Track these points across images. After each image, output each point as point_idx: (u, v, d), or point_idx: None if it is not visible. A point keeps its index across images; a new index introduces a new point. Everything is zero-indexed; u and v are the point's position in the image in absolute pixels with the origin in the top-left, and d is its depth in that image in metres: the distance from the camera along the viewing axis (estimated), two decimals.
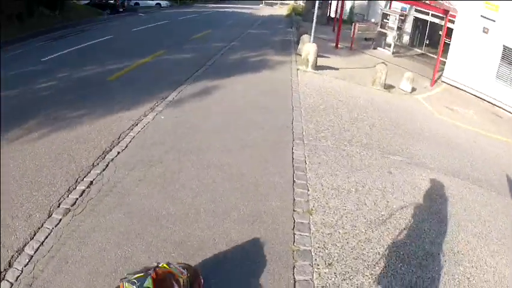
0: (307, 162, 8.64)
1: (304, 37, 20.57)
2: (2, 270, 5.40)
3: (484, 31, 20.01)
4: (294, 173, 8.13)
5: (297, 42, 23.93)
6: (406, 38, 29.89)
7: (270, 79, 15.30)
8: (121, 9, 40.57)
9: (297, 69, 16.88)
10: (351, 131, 11.00)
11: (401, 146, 10.87)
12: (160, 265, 4.12)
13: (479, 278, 6.09)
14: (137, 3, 51.12)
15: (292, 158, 8.73)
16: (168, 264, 4.21)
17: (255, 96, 12.93)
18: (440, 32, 25.33)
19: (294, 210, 6.91)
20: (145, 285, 3.79)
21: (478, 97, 20.87)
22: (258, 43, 24.26)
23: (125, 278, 3.95)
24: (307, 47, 17.25)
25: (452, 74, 21.75)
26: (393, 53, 26.34)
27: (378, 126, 12.06)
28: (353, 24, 26.87)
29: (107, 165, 8.12)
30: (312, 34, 18.76)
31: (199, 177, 7.74)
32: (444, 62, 22.43)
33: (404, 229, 6.86)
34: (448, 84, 21.82)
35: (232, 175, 7.93)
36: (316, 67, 17.30)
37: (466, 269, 6.23)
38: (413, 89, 18.69)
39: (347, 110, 12.72)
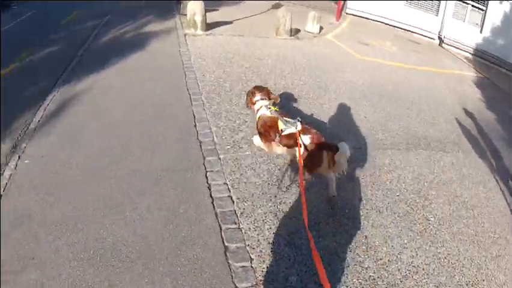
0: (236, 202, 5.31)
1: None
2: None
3: None
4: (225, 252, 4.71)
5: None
6: None
7: (154, 58, 11.51)
8: None
9: (185, 35, 13.09)
10: None
11: (345, 118, 8.21)
12: None
13: None
14: None
15: (214, 208, 5.26)
16: None
17: (139, 90, 9.23)
18: None
19: None
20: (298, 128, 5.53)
21: (388, 24, 18.64)
22: (133, 11, 19.56)
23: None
24: (192, 5, 13.51)
25: (356, 3, 19.25)
26: None
27: (306, 95, 9.05)
28: None
29: None
30: None
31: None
32: None
33: None
34: (354, 15, 19.33)
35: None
36: (207, 26, 13.68)
37: None
38: (321, 28, 15.74)
39: (261, 81, 9.43)
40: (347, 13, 19.32)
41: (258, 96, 6.13)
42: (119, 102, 8.58)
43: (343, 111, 8.57)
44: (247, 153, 6.34)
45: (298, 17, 15.46)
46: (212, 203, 5.25)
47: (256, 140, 6.37)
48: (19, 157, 7.00)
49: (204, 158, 6.20)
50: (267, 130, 5.88)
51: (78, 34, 16.07)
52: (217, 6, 17.66)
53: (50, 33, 17.12)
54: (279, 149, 5.98)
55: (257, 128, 6.10)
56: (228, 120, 7.33)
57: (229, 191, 5.45)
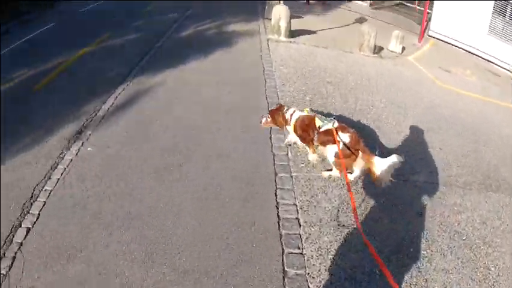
0: (302, 226, 5.06)
1: None
2: None
3: None
4: None
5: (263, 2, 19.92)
6: None
7: (235, 60, 11.29)
8: None
9: (268, 40, 12.94)
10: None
11: (421, 148, 7.63)
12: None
13: None
14: None
15: (279, 228, 5.04)
16: None
17: (216, 90, 9.11)
18: None
19: None
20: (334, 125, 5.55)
21: (469, 52, 17.67)
22: (217, 8, 19.55)
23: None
24: (278, 10, 13.28)
25: (439, 27, 18.39)
26: (370, 4, 22.55)
27: (385, 119, 8.48)
28: None
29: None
30: None
31: None
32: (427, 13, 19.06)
33: None
34: (436, 38, 18.50)
35: None
36: (291, 33, 13.43)
37: None
38: (403, 49, 15.17)
39: (341, 98, 9.07)
40: (429, 35, 18.53)
41: (285, 108, 6.18)
42: (194, 100, 8.57)
43: (420, 140, 8.09)
44: (322, 185, 6.03)
45: (380, 33, 14.92)
46: (278, 222, 5.10)
47: (312, 156, 6.34)
48: (82, 144, 7.05)
49: (276, 174, 6.05)
50: (305, 130, 5.88)
51: (158, 25, 16.12)
52: (301, 14, 17.40)
53: (130, 21, 17.19)
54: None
55: (295, 131, 6.07)
56: None
57: (298, 213, 5.28)
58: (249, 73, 10.01)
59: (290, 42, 12.90)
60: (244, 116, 7.79)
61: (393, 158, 5.24)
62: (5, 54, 14.41)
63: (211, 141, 6.99)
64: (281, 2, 13.84)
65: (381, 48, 14.23)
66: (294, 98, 8.60)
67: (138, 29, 15.64)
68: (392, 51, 14.59)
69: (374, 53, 13.50)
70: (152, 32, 14.87)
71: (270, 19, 14.45)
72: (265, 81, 9.40)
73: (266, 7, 16.64)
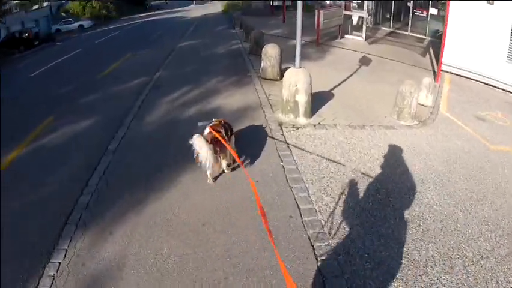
0: None
1: (269, 49, 11.01)
2: None
3: (489, 2, 12.26)
4: None
5: (251, 51, 15.01)
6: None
7: (226, 189, 5.74)
8: (36, 42, 28.13)
9: (281, 127, 7.71)
10: None
11: None
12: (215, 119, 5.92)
13: None
14: (58, 30, 39.35)
15: None
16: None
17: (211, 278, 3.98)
18: (409, 4, 18.24)
19: None
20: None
21: (488, 84, 13.18)
22: (194, 66, 13.85)
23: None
24: (293, 77, 7.82)
25: (453, 59, 13.84)
26: (365, 38, 17.97)
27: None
28: (317, 11, 16.80)
29: None
30: (298, 52, 8.08)
31: None
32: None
33: None
34: (450, 73, 14.00)
35: None
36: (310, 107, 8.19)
37: None
38: None
39: (421, 259, 4.25)
40: (442, 70, 13.91)
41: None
42: None
43: None
44: None
45: (394, 76, 10.20)
46: None
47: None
48: None
49: None
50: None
51: (115, 102, 10.52)
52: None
53: (79, 95, 11.51)
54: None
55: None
56: None
57: None
58: (276, 223, 4.84)
59: (315, 126, 7.80)
60: None
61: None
62: None
63: None
64: (296, 61, 8.42)
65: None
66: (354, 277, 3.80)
67: (86, 110, 9.87)
68: (423, 106, 9.82)
69: (415, 118, 8.78)
70: (105, 118, 9.19)
71: (269, 79, 9.79)
72: (313, 248, 4.47)
73: (262, 62, 11.39)
